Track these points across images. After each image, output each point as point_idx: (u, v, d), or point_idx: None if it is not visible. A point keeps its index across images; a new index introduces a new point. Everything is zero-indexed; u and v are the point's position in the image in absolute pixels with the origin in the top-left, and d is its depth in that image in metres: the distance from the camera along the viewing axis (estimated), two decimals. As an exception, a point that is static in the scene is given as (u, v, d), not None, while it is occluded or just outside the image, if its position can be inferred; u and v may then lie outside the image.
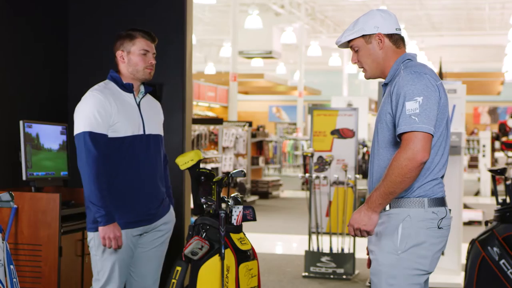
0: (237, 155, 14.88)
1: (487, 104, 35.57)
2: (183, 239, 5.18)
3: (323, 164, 7.61)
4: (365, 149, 18.15)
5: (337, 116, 7.71)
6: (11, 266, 3.49)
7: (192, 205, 4.67)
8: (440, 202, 3.02)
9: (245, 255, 4.03)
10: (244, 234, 4.12)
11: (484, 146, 16.72)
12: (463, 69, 32.78)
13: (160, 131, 3.96)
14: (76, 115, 3.71)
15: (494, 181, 5.58)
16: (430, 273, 3.04)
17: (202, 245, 3.88)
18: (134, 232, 3.78)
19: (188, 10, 5.43)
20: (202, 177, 4.08)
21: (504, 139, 16.54)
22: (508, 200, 5.32)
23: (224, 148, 14.02)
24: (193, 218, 4.89)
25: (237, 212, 4.05)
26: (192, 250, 3.89)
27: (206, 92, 20.94)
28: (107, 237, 3.62)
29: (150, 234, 3.88)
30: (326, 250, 7.40)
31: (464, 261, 5.94)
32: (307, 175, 7.61)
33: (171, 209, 4.01)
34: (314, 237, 7.50)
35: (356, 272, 7.37)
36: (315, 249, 7.44)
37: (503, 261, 5.15)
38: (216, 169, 13.29)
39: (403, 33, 3.19)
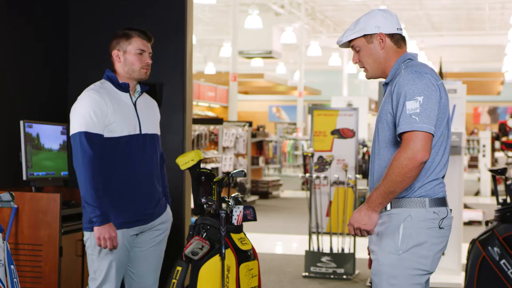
0: (237, 155, 14.88)
1: (487, 104, 35.57)
2: (183, 239, 5.18)
3: (323, 164, 7.61)
4: (365, 149, 18.16)
5: (337, 116, 7.71)
6: (12, 266, 3.49)
7: (192, 205, 4.67)
8: (441, 202, 3.02)
9: (245, 255, 4.03)
10: (245, 234, 4.12)
11: (484, 146, 16.72)
12: (463, 69, 32.78)
13: (157, 130, 3.95)
14: (72, 115, 3.70)
15: (495, 181, 5.58)
16: (431, 273, 3.04)
17: (203, 245, 3.88)
18: (131, 232, 3.78)
19: (188, 10, 5.43)
20: (203, 177, 4.08)
21: (504, 139, 16.54)
22: (508, 200, 5.32)
23: (224, 148, 14.02)
24: (193, 218, 4.88)
25: (237, 212, 4.05)
26: (193, 250, 3.89)
27: (206, 92, 20.94)
28: (102, 238, 3.61)
29: (147, 233, 3.87)
30: (326, 250, 7.40)
31: (464, 261, 5.94)
32: (307, 175, 7.61)
33: (168, 209, 4.00)
34: (314, 237, 7.50)
35: (357, 272, 7.37)
36: (316, 249, 7.44)
37: (503, 261, 5.15)
38: (216, 169, 13.29)
39: (403, 33, 3.19)
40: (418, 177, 2.96)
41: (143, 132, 3.81)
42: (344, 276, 7.24)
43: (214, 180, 4.10)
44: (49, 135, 4.63)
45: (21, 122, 4.39)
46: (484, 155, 16.71)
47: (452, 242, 5.05)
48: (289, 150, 24.00)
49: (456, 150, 6.93)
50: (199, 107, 21.32)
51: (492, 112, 35.83)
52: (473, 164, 23.37)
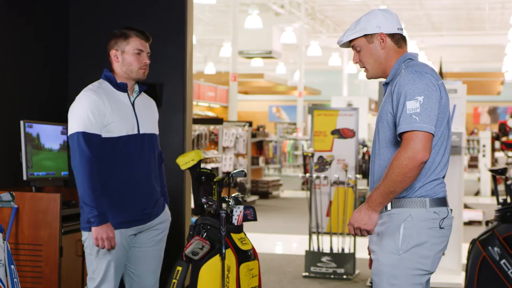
0: (237, 155, 14.88)
1: (487, 104, 35.57)
2: (183, 239, 5.18)
3: (323, 164, 7.61)
4: (365, 149, 18.15)
5: (337, 116, 7.72)
6: (12, 266, 3.49)
7: (192, 205, 4.67)
8: (442, 202, 3.02)
9: (246, 255, 4.03)
10: (245, 234, 4.12)
11: (484, 146, 16.72)
12: (463, 69, 32.79)
13: (155, 130, 3.95)
14: (70, 115, 3.70)
15: (495, 181, 5.58)
16: (432, 273, 3.04)
17: (203, 245, 3.88)
18: (129, 232, 3.78)
19: (188, 10, 5.43)
20: (203, 177, 4.08)
21: (504, 139, 16.54)
22: (508, 200, 5.32)
23: (224, 148, 14.02)
24: (194, 218, 4.88)
25: (237, 212, 4.05)
26: (193, 250, 3.89)
27: (206, 92, 20.94)
28: (100, 238, 3.61)
29: (145, 233, 3.87)
30: (326, 250, 7.40)
31: (464, 261, 5.94)
32: (307, 175, 7.61)
33: (166, 208, 4.00)
34: (314, 237, 7.50)
35: (357, 272, 7.37)
36: (316, 249, 7.44)
37: (503, 261, 5.15)
38: (216, 169, 13.29)
39: (404, 33, 3.19)
40: (419, 177, 2.96)
41: (141, 132, 3.81)
42: (344, 276, 7.24)
43: (215, 180, 4.10)
44: (49, 135, 4.63)
45: (22, 122, 4.39)
46: (484, 155, 16.71)
47: (452, 242, 5.05)
48: (289, 150, 23.99)
49: (456, 150, 6.93)
50: (199, 107, 21.32)
51: (492, 112, 35.83)
52: (473, 164, 23.37)
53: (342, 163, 7.59)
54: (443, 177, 3.06)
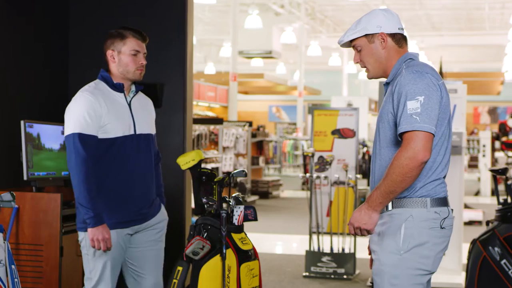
0: (237, 155, 14.88)
1: (487, 104, 35.57)
2: (184, 239, 5.18)
3: (323, 164, 7.61)
4: (365, 149, 18.15)
5: (337, 116, 7.72)
6: (13, 266, 3.49)
7: (193, 205, 4.67)
8: (443, 202, 3.02)
9: (246, 255, 4.03)
10: (246, 234, 4.12)
11: (484, 146, 16.71)
12: (463, 69, 32.79)
13: (151, 130, 3.94)
14: (66, 116, 3.70)
15: (495, 181, 5.58)
16: (433, 273, 3.04)
17: (203, 245, 3.88)
18: (125, 231, 3.78)
19: (189, 10, 5.43)
20: (204, 177, 4.08)
21: (504, 139, 16.54)
22: (509, 200, 5.32)
23: (224, 148, 14.02)
24: (194, 218, 4.88)
25: (238, 212, 4.05)
26: (193, 250, 3.89)
27: (206, 92, 20.93)
28: (95, 239, 3.61)
29: (142, 233, 3.86)
30: (326, 250, 7.40)
31: (465, 261, 5.94)
32: (307, 175, 7.61)
33: (163, 208, 3.99)
34: (314, 237, 7.50)
35: (357, 272, 7.37)
36: (316, 249, 7.43)
37: (504, 261, 5.15)
38: (217, 169, 13.29)
39: (404, 33, 3.19)
40: (420, 177, 2.96)
41: (137, 132, 3.80)
42: (345, 276, 7.24)
43: (215, 180, 4.10)
44: (50, 135, 4.63)
45: (22, 122, 4.39)
46: (484, 155, 16.71)
47: (452, 242, 5.04)
48: (289, 150, 23.99)
49: (456, 150, 6.93)
50: (199, 107, 21.31)
51: (492, 112, 35.83)
52: (473, 164, 23.36)
53: (342, 163, 7.59)
54: (444, 177, 3.06)
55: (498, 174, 5.40)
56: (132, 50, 3.75)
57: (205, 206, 4.06)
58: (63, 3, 5.52)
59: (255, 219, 4.16)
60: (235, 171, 4.20)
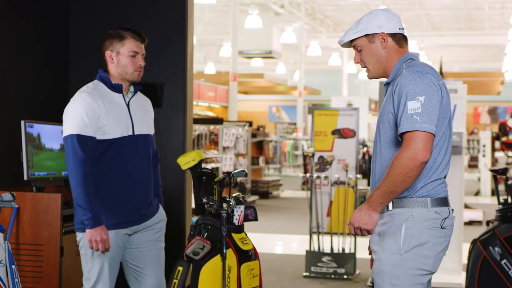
0: (238, 155, 14.88)
1: (487, 104, 35.57)
2: (184, 239, 5.18)
3: (324, 164, 7.61)
4: (365, 149, 18.15)
5: (337, 116, 7.72)
6: (13, 266, 3.49)
7: (193, 205, 4.67)
8: (443, 202, 3.02)
9: (246, 255, 4.02)
10: (246, 234, 4.12)
11: (484, 146, 16.71)
12: (463, 69, 32.78)
13: (150, 130, 3.93)
14: (65, 117, 3.69)
15: (496, 181, 5.58)
16: (433, 273, 3.04)
17: (204, 245, 3.88)
18: (124, 231, 3.78)
19: (189, 10, 5.43)
20: (204, 177, 4.08)
21: (504, 139, 16.54)
22: (509, 200, 5.33)
23: (224, 148, 14.02)
24: (194, 218, 4.88)
25: (238, 212, 4.05)
26: (194, 250, 3.89)
27: (206, 92, 20.93)
28: (93, 240, 3.61)
29: (141, 234, 3.85)
30: (327, 250, 7.40)
31: (465, 261, 5.94)
32: (307, 175, 7.61)
33: (161, 208, 3.99)
34: (315, 237, 7.50)
35: (357, 272, 7.37)
36: (316, 249, 7.44)
37: (504, 261, 5.15)
38: (217, 169, 13.28)
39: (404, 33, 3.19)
40: (420, 177, 2.96)
41: (136, 133, 3.79)
42: (345, 276, 7.24)
43: (215, 180, 4.10)
44: (50, 135, 4.63)
45: (22, 122, 4.39)
46: (484, 155, 16.70)
47: (452, 242, 5.05)
48: (289, 150, 23.99)
49: (456, 150, 6.93)
50: (199, 107, 21.31)
51: (492, 112, 35.83)
52: (473, 164, 23.36)
53: (342, 163, 7.59)
54: (445, 177, 3.06)
55: (498, 174, 5.40)
56: (131, 51, 3.74)
57: (206, 206, 4.06)
58: (64, 3, 5.51)
59: (256, 219, 4.16)
60: (236, 171, 4.20)
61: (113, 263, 3.75)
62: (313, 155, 7.52)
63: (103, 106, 3.67)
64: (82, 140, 3.61)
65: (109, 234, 3.69)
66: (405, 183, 2.90)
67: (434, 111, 2.92)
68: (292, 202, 15.64)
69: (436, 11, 24.85)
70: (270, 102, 36.72)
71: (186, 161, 4.10)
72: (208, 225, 4.01)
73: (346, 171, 7.50)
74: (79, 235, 3.73)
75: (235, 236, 4.01)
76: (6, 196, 3.54)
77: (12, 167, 4.72)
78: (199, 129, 13.24)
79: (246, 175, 4.24)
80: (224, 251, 3.90)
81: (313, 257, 7.34)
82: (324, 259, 7.31)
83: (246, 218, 4.10)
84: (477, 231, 6.32)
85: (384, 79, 3.17)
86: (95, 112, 3.64)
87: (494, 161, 17.16)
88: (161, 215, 3.97)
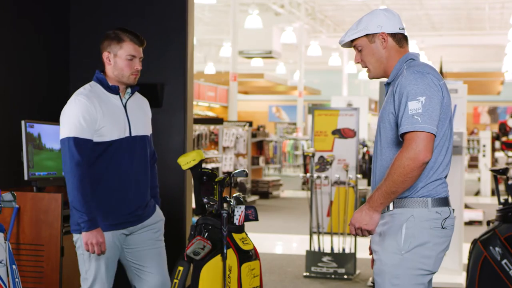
0: (238, 155, 14.87)
1: (487, 104, 35.57)
2: (184, 239, 5.18)
3: (324, 164, 7.61)
4: (365, 149, 18.14)
5: (338, 116, 7.72)
6: (13, 266, 3.49)
7: (193, 205, 4.67)
8: (444, 202, 3.02)
9: (247, 255, 4.03)
10: (246, 234, 4.12)
11: (484, 146, 16.71)
12: (463, 69, 32.79)
13: (147, 131, 3.92)
14: (62, 120, 3.68)
15: (496, 181, 5.58)
16: (434, 273, 3.04)
17: (204, 245, 3.88)
18: (121, 231, 3.77)
19: (189, 10, 5.43)
20: (204, 177, 4.08)
21: (504, 139, 16.54)
22: (510, 200, 5.33)
23: (224, 148, 14.02)
24: (194, 218, 4.88)
25: (239, 212, 4.05)
26: (194, 250, 3.89)
27: (206, 92, 20.92)
28: (89, 243, 3.61)
29: (138, 234, 3.84)
30: (327, 250, 7.40)
31: (465, 261, 5.94)
32: (308, 175, 7.61)
33: (158, 209, 3.97)
34: (315, 237, 7.50)
35: (357, 272, 7.37)
36: (316, 249, 7.44)
37: (505, 261, 5.15)
38: (217, 169, 13.28)
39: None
40: (421, 177, 2.96)
41: (133, 134, 3.78)
42: (345, 276, 7.24)
43: (216, 180, 4.10)
44: (50, 135, 4.63)
45: (23, 122, 4.39)
46: (484, 155, 16.70)
47: (453, 242, 5.06)
48: (289, 150, 23.99)
49: (457, 150, 6.93)
50: (199, 107, 21.31)
51: (492, 112, 35.83)
52: (473, 164, 23.35)
53: (343, 163, 7.59)
54: (445, 177, 3.06)
55: (498, 174, 5.40)
56: (128, 55, 3.72)
57: (206, 206, 4.06)
58: (64, 3, 5.51)
59: (256, 219, 4.16)
60: (236, 171, 4.20)
61: (110, 263, 3.75)
62: (313, 155, 7.52)
63: (100, 108, 3.66)
64: (79, 143, 3.60)
65: (106, 235, 3.69)
66: (406, 184, 2.90)
67: (435, 112, 2.92)
68: (292, 202, 15.64)
69: (436, 11, 24.85)
70: (270, 102, 36.72)
71: (186, 161, 4.10)
72: (208, 225, 4.01)
73: (347, 171, 7.50)
74: (75, 236, 3.73)
75: (236, 236, 4.01)
76: (7, 196, 3.54)
77: (12, 167, 4.72)
78: (199, 129, 13.24)
79: (246, 175, 4.24)
80: (225, 251, 3.90)
81: (314, 257, 7.34)
82: (325, 259, 7.31)
83: (247, 218, 4.10)
84: (477, 231, 6.33)
85: (385, 79, 3.17)
86: (91, 115, 3.63)
87: (494, 161, 17.16)
88: (158, 215, 3.96)
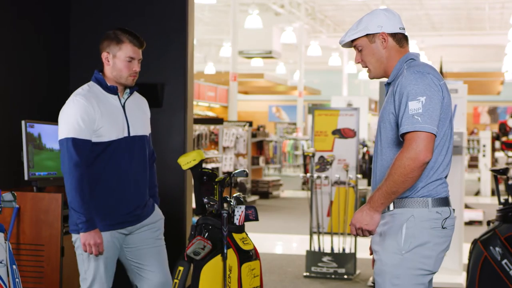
0: (238, 155, 14.88)
1: (487, 104, 35.58)
2: (185, 239, 5.18)
3: (324, 164, 7.61)
4: (365, 149, 18.14)
5: (338, 116, 7.72)
6: (14, 266, 3.49)
7: (193, 205, 4.67)
8: (444, 202, 3.02)
9: (247, 255, 4.03)
10: (247, 234, 4.12)
11: (484, 146, 16.71)
12: (463, 69, 32.79)
13: (146, 131, 3.91)
14: (60, 120, 3.68)
15: (496, 181, 5.58)
16: (434, 273, 3.04)
17: (205, 245, 3.88)
18: (120, 231, 3.77)
19: (189, 10, 5.43)
20: (205, 177, 4.08)
21: (504, 139, 16.54)
22: (510, 200, 5.33)
23: (224, 148, 14.02)
24: (195, 219, 4.88)
25: (239, 212, 4.05)
26: (194, 250, 3.89)
27: (206, 92, 20.93)
28: (87, 244, 3.61)
29: (138, 234, 3.84)
30: (327, 250, 7.40)
31: (465, 261, 5.94)
32: (308, 175, 7.61)
33: (156, 208, 3.97)
34: (315, 237, 7.50)
35: (357, 272, 7.37)
36: (316, 249, 7.44)
37: (505, 261, 5.15)
38: (217, 169, 13.28)
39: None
40: (421, 177, 2.96)
41: (131, 134, 3.78)
42: (345, 276, 7.24)
43: (216, 180, 4.10)
44: (51, 135, 4.63)
45: (23, 122, 4.39)
46: (484, 155, 16.70)
47: (453, 242, 5.06)
48: (289, 150, 23.99)
49: (457, 150, 6.93)
50: (199, 107, 21.31)
51: (492, 112, 35.83)
52: (473, 164, 23.35)
53: (343, 163, 7.59)
54: (446, 177, 3.06)
55: (499, 174, 5.40)
56: (127, 56, 3.71)
57: (206, 206, 4.06)
58: (64, 2, 5.51)
59: (256, 219, 4.16)
60: (237, 171, 4.20)
61: (109, 263, 3.75)
62: (313, 155, 7.52)
63: (98, 109, 3.66)
64: (77, 144, 3.60)
65: (105, 235, 3.69)
66: (406, 184, 2.90)
67: (435, 111, 2.92)
68: (292, 202, 15.64)
69: (436, 11, 24.85)
70: (270, 102, 36.72)
71: (186, 161, 4.10)
72: (209, 225, 4.01)
73: (347, 171, 7.50)
74: (74, 236, 3.73)
75: (236, 236, 4.01)
76: (7, 196, 3.54)
77: (12, 167, 4.72)
78: (199, 129, 13.24)
79: (247, 175, 4.24)
80: (225, 251, 3.90)
81: (314, 257, 7.34)
82: (325, 259, 7.31)
83: (247, 218, 4.10)
84: (478, 231, 6.33)
85: (385, 79, 3.17)
86: (90, 116, 3.63)
87: (494, 161, 17.16)
88: (157, 214, 3.96)
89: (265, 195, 16.05)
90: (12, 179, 4.74)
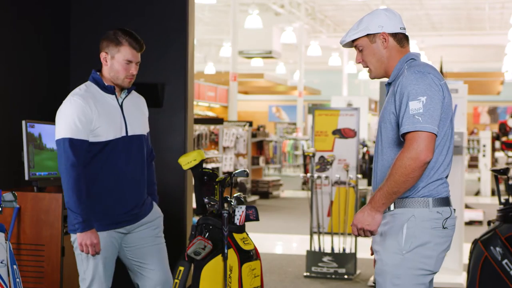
0: (238, 155, 14.87)
1: (487, 104, 35.58)
2: (185, 239, 5.18)
3: (324, 164, 7.61)
4: (365, 149, 18.14)
5: (338, 116, 7.71)
6: (14, 266, 3.49)
7: (194, 205, 4.67)
8: (445, 202, 3.02)
9: (248, 255, 4.03)
10: (247, 234, 4.12)
11: (484, 146, 16.71)
12: (463, 69, 32.79)
13: (144, 130, 3.90)
14: (57, 120, 3.68)
15: (497, 181, 5.58)
16: (435, 273, 3.04)
17: (205, 245, 3.88)
18: (118, 230, 3.77)
19: (189, 10, 5.43)
20: (205, 177, 4.08)
21: (504, 139, 16.54)
22: (510, 200, 5.32)
23: (224, 148, 14.02)
24: (195, 218, 4.88)
25: (240, 212, 4.06)
26: (195, 250, 3.89)
27: (206, 92, 20.92)
28: (84, 244, 3.61)
29: (137, 232, 3.84)
30: (327, 250, 7.40)
31: (466, 261, 5.94)
32: (308, 175, 7.61)
33: (155, 206, 3.96)
34: (315, 237, 7.50)
35: (358, 272, 7.37)
36: (317, 249, 7.43)
37: (505, 261, 5.15)
38: (217, 169, 13.28)
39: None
40: (422, 177, 2.96)
41: (129, 134, 3.78)
42: (346, 276, 7.24)
43: (217, 180, 4.10)
44: (51, 135, 4.61)
45: (23, 122, 4.39)
46: (484, 155, 16.70)
47: (453, 242, 5.06)
48: (289, 150, 23.99)
49: (457, 150, 6.93)
50: (199, 107, 21.30)
51: (492, 112, 35.83)
52: (473, 164, 23.34)
53: (343, 163, 7.59)
54: (446, 177, 3.06)
55: (499, 174, 5.40)
56: (125, 59, 3.70)
57: (207, 206, 4.06)
58: (64, 2, 5.51)
59: (257, 219, 4.16)
60: (237, 171, 4.20)
61: (108, 262, 3.75)
62: (313, 155, 7.52)
63: (95, 108, 3.66)
64: (74, 144, 3.59)
65: (102, 235, 3.69)
66: (407, 184, 2.90)
67: (436, 111, 2.92)
68: (292, 202, 15.64)
69: (436, 11, 24.85)
70: (270, 102, 36.72)
71: (187, 161, 4.11)
72: (209, 225, 4.01)
73: (347, 171, 7.50)
74: (73, 236, 3.73)
75: (237, 236, 4.02)
76: (8, 196, 3.54)
77: (13, 167, 4.72)
78: (199, 129, 13.24)
79: (247, 175, 4.24)
80: (226, 251, 3.90)
81: (314, 257, 7.34)
82: (325, 259, 7.31)
83: (248, 218, 4.10)
84: (478, 231, 6.33)
85: (385, 79, 3.17)
86: (87, 116, 3.63)
87: (494, 161, 17.16)
88: (156, 212, 3.95)
89: (265, 195, 16.05)
90: (13, 179, 4.74)
